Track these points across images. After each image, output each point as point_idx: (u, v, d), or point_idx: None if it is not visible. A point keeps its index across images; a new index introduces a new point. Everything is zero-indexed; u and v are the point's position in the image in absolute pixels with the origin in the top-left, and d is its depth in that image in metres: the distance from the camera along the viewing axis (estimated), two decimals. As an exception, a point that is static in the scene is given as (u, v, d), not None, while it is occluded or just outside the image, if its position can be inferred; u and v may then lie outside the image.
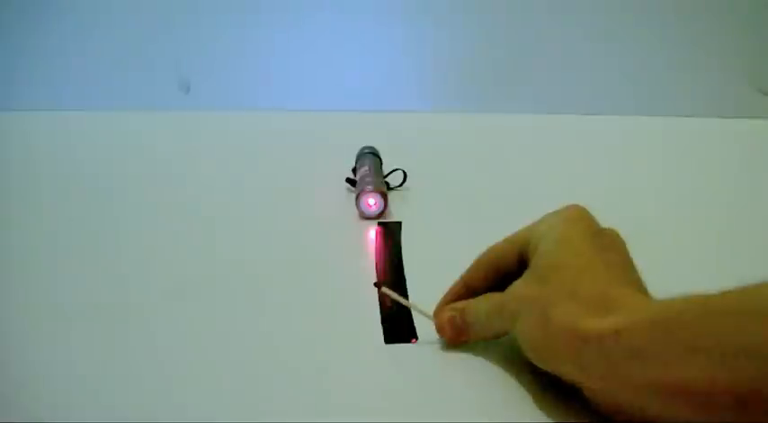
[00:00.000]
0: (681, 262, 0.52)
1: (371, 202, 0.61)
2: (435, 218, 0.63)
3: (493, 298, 0.37)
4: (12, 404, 0.36)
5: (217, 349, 0.41)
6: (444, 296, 0.41)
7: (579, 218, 0.37)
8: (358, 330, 0.42)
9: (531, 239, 0.37)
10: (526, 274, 0.36)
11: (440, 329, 0.39)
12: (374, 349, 0.41)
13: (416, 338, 0.41)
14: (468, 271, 0.40)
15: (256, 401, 0.36)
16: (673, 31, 1.03)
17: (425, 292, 0.42)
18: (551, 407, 0.34)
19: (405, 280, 0.49)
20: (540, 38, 1.06)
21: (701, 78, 1.03)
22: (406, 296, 0.47)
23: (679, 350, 0.27)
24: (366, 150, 0.73)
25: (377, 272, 0.51)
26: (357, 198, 0.61)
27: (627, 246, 0.36)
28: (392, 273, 0.51)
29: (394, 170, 0.70)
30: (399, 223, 0.60)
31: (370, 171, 0.66)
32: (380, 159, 0.72)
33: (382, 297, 0.46)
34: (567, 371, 0.32)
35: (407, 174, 0.70)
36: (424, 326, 0.41)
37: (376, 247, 0.56)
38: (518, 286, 0.35)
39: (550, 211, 0.39)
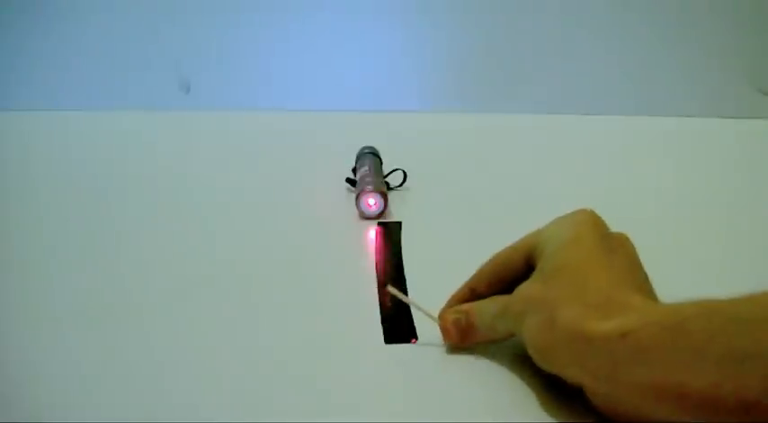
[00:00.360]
0: (680, 262, 0.52)
1: (371, 202, 0.61)
2: (435, 218, 0.63)
3: (499, 300, 0.37)
4: (12, 404, 0.36)
5: (217, 349, 0.41)
6: (449, 300, 0.41)
7: (589, 221, 0.36)
8: (358, 330, 0.42)
9: (539, 243, 0.37)
10: (533, 276, 0.35)
11: (444, 332, 0.39)
12: (374, 349, 0.40)
13: (416, 338, 0.41)
14: (474, 276, 0.40)
15: (256, 401, 0.36)
16: (673, 31, 1.03)
17: (426, 293, 0.42)
18: (552, 407, 0.34)
19: (405, 280, 0.49)
20: (541, 38, 1.06)
21: (701, 78, 1.03)
22: (406, 296, 0.47)
23: (685, 355, 0.27)
24: (366, 150, 0.73)
25: (377, 272, 0.51)
26: (357, 198, 0.61)
27: (635, 249, 0.36)
28: (392, 273, 0.51)
29: (394, 170, 0.70)
30: (399, 223, 0.60)
31: (370, 171, 0.66)
32: (380, 159, 0.72)
33: (382, 297, 0.46)
34: (571, 372, 0.32)
35: (407, 174, 0.70)
36: (425, 326, 0.41)
37: (376, 247, 0.56)
38: (524, 287, 0.35)
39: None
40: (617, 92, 1.05)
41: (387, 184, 0.66)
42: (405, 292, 0.47)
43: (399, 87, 1.11)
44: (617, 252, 0.35)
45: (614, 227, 0.37)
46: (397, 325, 0.42)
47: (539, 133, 0.96)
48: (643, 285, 0.34)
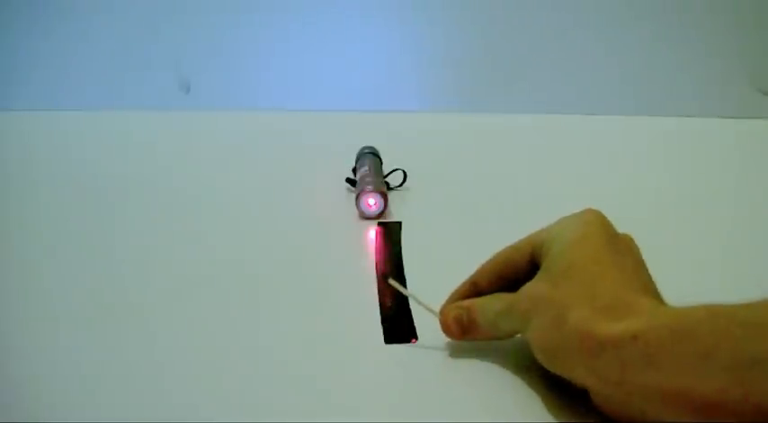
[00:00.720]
0: (680, 262, 0.52)
1: (371, 202, 0.61)
2: (435, 218, 0.63)
3: (503, 297, 0.37)
4: (12, 404, 0.36)
5: (216, 349, 0.41)
6: (451, 295, 0.40)
7: (596, 222, 0.36)
8: (358, 330, 0.42)
9: (545, 241, 0.36)
10: (540, 275, 0.35)
11: (445, 327, 0.39)
12: (374, 349, 0.40)
13: (416, 338, 0.41)
14: (477, 272, 0.40)
15: (256, 401, 0.36)
16: (673, 32, 1.03)
17: (426, 292, 0.42)
18: (554, 408, 0.34)
19: (405, 280, 0.49)
20: (541, 38, 1.06)
21: (701, 78, 1.03)
22: (406, 297, 0.47)
23: (693, 359, 0.27)
24: (366, 150, 0.73)
25: (377, 272, 0.51)
26: (357, 198, 0.61)
27: (640, 251, 0.36)
28: (392, 273, 0.51)
29: (394, 170, 0.70)
30: (399, 223, 0.60)
31: (370, 171, 0.66)
32: (380, 159, 0.72)
33: (383, 297, 0.46)
34: (578, 374, 0.31)
35: (407, 174, 0.70)
36: (425, 326, 0.41)
37: (376, 247, 0.56)
38: (531, 286, 0.35)
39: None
40: (617, 92, 1.05)
41: (387, 184, 0.66)
42: (405, 292, 0.47)
43: (399, 87, 1.11)
44: (624, 253, 0.35)
45: (613, 225, 0.37)
46: (397, 325, 0.42)
47: (539, 133, 0.96)
48: (650, 287, 0.34)
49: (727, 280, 0.48)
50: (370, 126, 0.91)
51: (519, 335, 0.37)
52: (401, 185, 0.69)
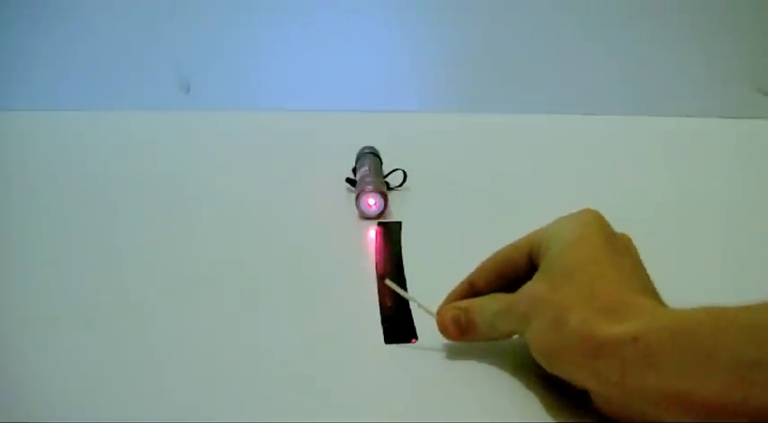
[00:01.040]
0: (680, 262, 0.52)
1: (371, 202, 0.61)
2: (435, 218, 0.63)
3: (501, 298, 0.37)
4: (12, 404, 0.36)
5: (216, 349, 0.41)
6: (448, 295, 0.40)
7: (594, 222, 0.36)
8: (358, 330, 0.42)
9: (543, 241, 0.36)
10: (538, 276, 0.35)
11: (442, 328, 0.39)
12: (374, 349, 0.40)
13: (416, 338, 0.41)
14: (475, 272, 0.40)
15: (256, 401, 0.36)
16: (673, 32, 1.03)
17: (426, 293, 0.42)
18: (553, 408, 0.34)
19: (405, 280, 0.49)
20: (541, 38, 1.06)
21: (701, 78, 1.03)
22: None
23: (695, 361, 0.27)
24: (366, 150, 0.73)
25: (377, 272, 0.51)
26: (357, 198, 0.61)
27: (637, 251, 0.36)
28: (392, 273, 0.51)
29: (394, 170, 0.70)
30: (399, 223, 0.60)
31: (370, 171, 0.66)
32: (380, 159, 0.72)
33: (383, 297, 0.46)
34: (578, 376, 0.31)
35: (407, 174, 0.70)
36: (425, 326, 0.41)
37: (376, 248, 0.56)
38: (530, 287, 0.35)
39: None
40: (617, 92, 1.05)
41: (387, 184, 0.66)
42: (404, 291, 0.47)
43: (399, 87, 1.11)
44: (623, 253, 0.35)
45: (614, 227, 0.37)
46: (397, 325, 0.42)
47: (539, 133, 0.96)
48: (649, 287, 0.34)
49: (728, 281, 0.48)
50: (370, 126, 0.91)
51: (516, 336, 0.37)
52: (401, 185, 0.69)
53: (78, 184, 0.75)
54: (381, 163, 0.71)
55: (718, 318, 0.28)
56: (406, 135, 0.93)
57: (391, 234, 0.58)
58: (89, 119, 1.06)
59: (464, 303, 0.38)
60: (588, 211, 0.37)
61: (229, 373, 0.38)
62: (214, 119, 1.05)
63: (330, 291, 0.49)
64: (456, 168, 0.79)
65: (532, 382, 0.36)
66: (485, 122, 1.01)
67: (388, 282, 0.41)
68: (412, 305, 0.44)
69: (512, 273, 0.38)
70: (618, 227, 0.37)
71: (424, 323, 0.41)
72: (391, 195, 0.64)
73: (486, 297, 0.38)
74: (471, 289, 0.40)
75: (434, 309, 0.40)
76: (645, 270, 0.35)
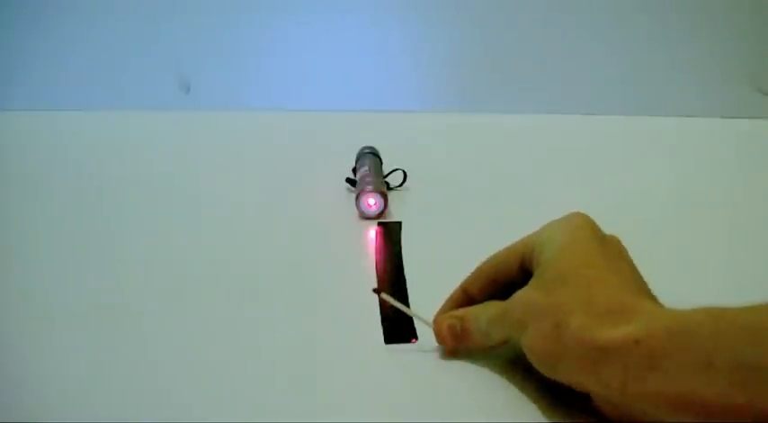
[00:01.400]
0: (680, 262, 0.52)
1: (371, 202, 0.61)
2: (435, 218, 0.63)
3: (495, 305, 0.37)
4: (12, 404, 0.35)
5: (216, 349, 0.41)
6: (444, 304, 0.40)
7: (584, 226, 0.36)
8: (358, 330, 0.42)
9: (535, 247, 0.36)
10: (532, 282, 0.35)
11: (439, 337, 0.39)
12: (374, 349, 0.40)
13: (416, 338, 0.41)
14: (468, 279, 0.40)
15: (256, 401, 0.36)
16: (673, 32, 1.03)
17: (425, 293, 0.42)
18: (552, 408, 0.34)
19: (405, 280, 0.49)
20: (541, 38, 1.06)
21: (702, 78, 1.03)
22: (406, 296, 0.47)
23: (696, 364, 0.27)
24: (366, 150, 0.73)
25: (377, 272, 0.51)
26: (357, 198, 0.61)
27: (628, 252, 0.36)
28: (392, 273, 0.51)
29: (394, 170, 0.70)
30: (399, 223, 0.60)
31: (370, 171, 0.66)
32: (380, 159, 0.72)
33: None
34: (580, 381, 0.31)
35: (407, 174, 0.70)
36: (424, 326, 0.41)
37: (376, 247, 0.56)
38: (524, 294, 0.35)
39: (550, 210, 0.39)
40: (617, 92, 1.05)
41: (387, 184, 0.66)
42: (405, 291, 0.47)
43: (399, 87, 1.11)
44: (616, 256, 0.35)
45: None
46: (397, 325, 0.42)
47: (539, 133, 0.96)
48: (645, 288, 0.34)
49: (728, 281, 0.48)
50: (370, 126, 0.91)
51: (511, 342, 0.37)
52: (401, 185, 0.69)
53: (78, 184, 0.75)
54: (381, 163, 0.71)
55: (718, 319, 0.28)
56: (406, 135, 0.93)
57: (391, 234, 0.58)
58: (89, 119, 1.06)
59: (460, 312, 0.39)
60: (578, 214, 0.37)
61: (229, 373, 0.38)
62: (214, 119, 1.05)
63: (330, 291, 0.49)
64: (456, 168, 0.79)
65: (532, 382, 0.35)
66: (485, 122, 1.01)
67: (384, 295, 0.41)
68: (412, 305, 0.44)
69: (505, 279, 0.38)
70: (618, 227, 0.37)
71: (424, 324, 0.41)
72: (391, 195, 0.64)
73: (481, 305, 0.38)
74: (465, 296, 0.40)
75: (430, 316, 0.40)
76: (638, 271, 0.35)
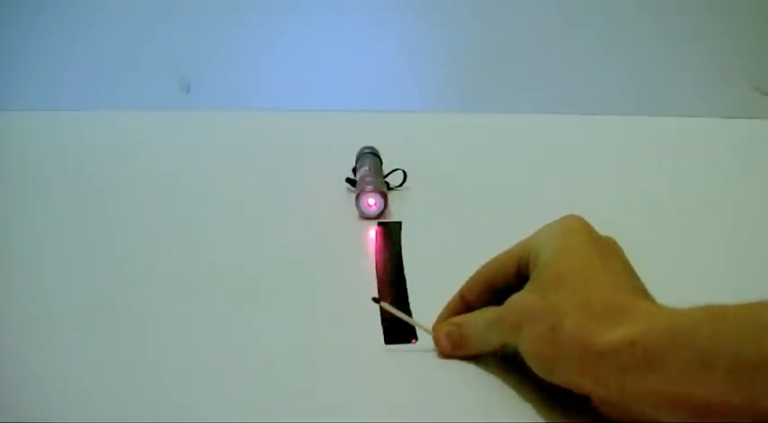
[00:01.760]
0: (680, 262, 0.52)
1: (371, 202, 0.61)
2: (435, 218, 0.63)
3: (491, 310, 0.37)
4: (11, 404, 0.35)
5: (216, 350, 0.41)
6: (442, 312, 0.41)
7: (578, 228, 0.36)
8: (358, 331, 0.42)
9: (531, 251, 0.36)
10: (528, 286, 0.35)
11: (438, 344, 0.39)
12: (374, 349, 0.40)
13: (416, 339, 0.41)
14: (465, 284, 0.40)
15: (256, 402, 0.36)
16: (673, 32, 1.03)
17: (425, 293, 0.42)
18: (552, 407, 0.34)
19: (405, 280, 0.49)
20: (540, 38, 1.06)
21: (701, 78, 1.03)
22: (406, 296, 0.47)
23: (695, 364, 0.27)
24: (366, 150, 0.73)
25: (377, 272, 0.51)
26: (357, 198, 0.61)
27: (624, 252, 0.36)
28: (392, 273, 0.51)
29: (394, 170, 0.70)
30: (399, 223, 0.60)
31: (370, 171, 0.66)
32: (380, 159, 0.72)
33: (383, 297, 0.46)
34: (578, 382, 0.31)
35: (407, 174, 0.70)
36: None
37: (376, 247, 0.56)
38: (520, 297, 0.35)
39: (550, 211, 0.39)
40: (617, 92, 1.05)
41: (387, 184, 0.66)
42: (405, 292, 0.47)
43: (399, 87, 1.11)
44: (612, 257, 0.35)
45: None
46: (397, 325, 0.42)
47: (539, 133, 0.96)
48: (641, 288, 0.34)
49: (728, 281, 0.48)
50: (370, 126, 0.91)
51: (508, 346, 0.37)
52: (401, 185, 0.69)
53: (78, 184, 0.75)
54: (381, 163, 0.71)
55: (716, 317, 0.28)
56: (406, 135, 0.93)
57: (391, 234, 0.58)
58: (89, 119, 1.06)
59: (458, 319, 0.39)
60: (572, 217, 0.37)
61: (229, 373, 0.38)
62: (214, 119, 1.05)
63: (330, 291, 0.49)
64: (456, 168, 0.79)
65: (532, 382, 0.35)
66: (485, 122, 1.01)
67: (384, 304, 0.41)
68: (412, 306, 0.44)
69: (501, 284, 0.38)
70: (617, 227, 0.37)
71: (424, 324, 0.41)
72: (391, 195, 0.64)
73: (478, 311, 0.38)
74: (462, 302, 0.40)
75: (432, 315, 0.40)
76: (634, 271, 0.35)
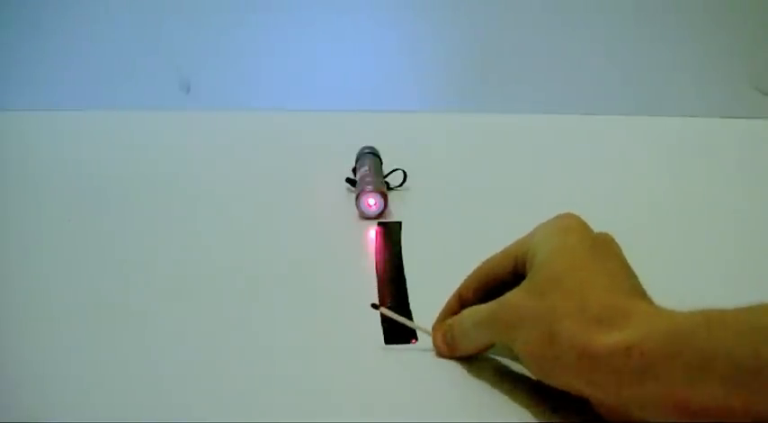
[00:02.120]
0: (680, 262, 0.52)
1: (371, 202, 0.61)
2: (435, 218, 0.63)
3: (481, 308, 0.37)
4: (12, 404, 0.36)
5: (216, 350, 0.41)
6: (441, 311, 0.41)
7: (574, 227, 0.36)
8: (358, 330, 0.42)
9: (528, 251, 0.36)
10: (523, 285, 0.34)
11: (435, 346, 0.39)
12: (374, 349, 0.40)
13: (416, 339, 0.41)
14: (462, 284, 0.40)
15: (256, 402, 0.36)
16: (673, 32, 1.03)
17: (425, 293, 0.42)
18: (552, 407, 0.34)
19: (405, 280, 0.49)
20: (541, 37, 1.06)
21: (701, 78, 1.03)
22: (406, 296, 0.47)
23: (692, 368, 0.27)
24: (366, 150, 0.73)
25: (377, 272, 0.51)
26: (357, 198, 0.61)
27: (622, 249, 0.35)
28: (392, 273, 0.51)
29: (394, 170, 0.70)
30: (399, 223, 0.60)
31: (370, 171, 0.66)
32: (380, 159, 0.72)
33: (383, 297, 0.46)
34: (574, 386, 0.31)
35: (407, 174, 0.70)
36: (424, 327, 0.41)
37: (376, 247, 0.56)
38: (514, 297, 0.34)
39: (550, 211, 0.38)
40: (617, 92, 1.05)
41: (387, 184, 0.66)
42: (405, 292, 0.47)
43: (399, 87, 1.11)
44: (608, 256, 0.34)
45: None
46: (397, 326, 0.42)
47: (539, 133, 0.96)
48: (639, 288, 0.33)
49: (728, 281, 0.48)
50: (370, 126, 0.91)
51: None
52: (401, 185, 0.69)
53: (78, 184, 0.75)
54: (381, 163, 0.71)
55: (714, 321, 0.28)
56: (406, 135, 0.93)
57: (391, 234, 0.58)
58: (89, 119, 1.06)
59: (450, 320, 0.39)
60: (568, 215, 0.37)
61: (229, 373, 0.38)
62: (214, 119, 1.05)
63: (330, 291, 0.49)
64: (456, 168, 0.79)
65: (531, 382, 0.35)
66: (485, 122, 1.01)
67: (383, 309, 0.41)
68: (412, 306, 0.44)
69: (499, 283, 0.38)
70: (617, 227, 0.37)
71: (424, 324, 0.41)
72: (391, 195, 0.64)
73: (467, 310, 0.38)
74: (460, 301, 0.40)
75: (432, 315, 0.40)
76: (631, 269, 0.34)
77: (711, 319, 0.28)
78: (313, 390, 0.37)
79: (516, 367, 0.37)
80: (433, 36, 1.09)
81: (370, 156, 0.71)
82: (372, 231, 0.59)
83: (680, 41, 1.03)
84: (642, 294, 0.33)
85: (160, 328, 0.44)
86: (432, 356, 0.39)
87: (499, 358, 0.38)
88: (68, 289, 0.49)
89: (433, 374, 0.38)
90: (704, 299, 0.29)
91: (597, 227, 0.37)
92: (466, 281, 0.40)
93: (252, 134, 0.98)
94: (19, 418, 0.34)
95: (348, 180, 0.69)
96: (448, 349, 0.39)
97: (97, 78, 1.13)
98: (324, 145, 0.90)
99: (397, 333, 0.41)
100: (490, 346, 0.37)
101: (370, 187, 0.61)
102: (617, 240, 0.36)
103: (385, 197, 0.61)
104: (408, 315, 0.43)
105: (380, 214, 0.61)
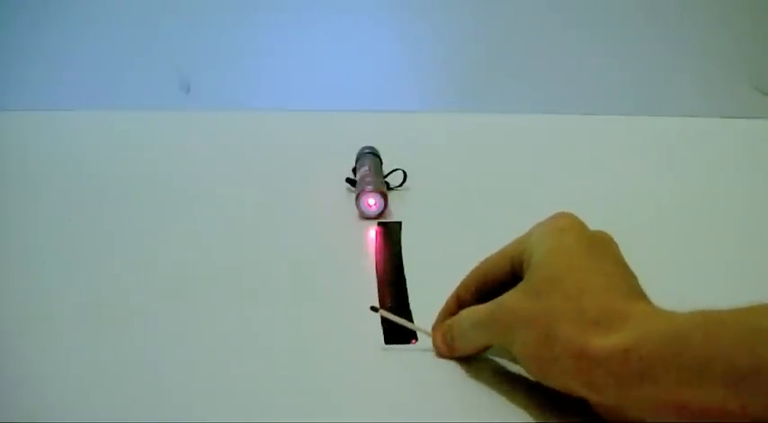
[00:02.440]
0: (680, 262, 0.52)
1: (371, 202, 0.61)
2: (435, 218, 0.63)
3: (478, 309, 0.37)
4: (12, 404, 0.36)
5: (216, 350, 0.41)
6: (440, 312, 0.41)
7: (570, 226, 0.36)
8: (358, 331, 0.42)
9: (524, 251, 0.36)
10: (521, 286, 0.34)
11: (435, 346, 0.40)
12: (374, 349, 0.40)
13: (416, 339, 0.41)
14: (460, 285, 0.40)
15: (256, 402, 0.36)
16: (673, 32, 1.03)
17: (425, 293, 0.42)
18: (551, 407, 0.34)
19: (405, 280, 0.49)
20: (541, 37, 1.06)
21: (701, 78, 1.03)
22: (406, 296, 0.47)
23: (690, 371, 0.27)
24: (366, 150, 0.73)
25: (377, 272, 0.51)
26: (357, 198, 0.61)
27: (619, 248, 0.35)
28: (392, 273, 0.51)
29: (394, 170, 0.70)
30: (399, 223, 0.60)
31: (370, 171, 0.66)
32: (380, 159, 0.72)
33: (383, 297, 0.46)
34: (573, 387, 0.31)
35: (407, 174, 0.70)
36: (424, 327, 0.41)
37: (376, 247, 0.56)
38: (512, 298, 0.34)
39: (550, 211, 0.38)
40: (617, 92, 1.05)
41: (387, 184, 0.66)
42: (405, 292, 0.47)
43: (399, 87, 1.11)
44: (605, 256, 0.34)
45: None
46: (397, 326, 0.42)
47: (539, 133, 0.96)
48: (636, 288, 0.33)
49: (728, 281, 0.48)
50: (370, 126, 0.91)
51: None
52: (401, 185, 0.69)
53: (78, 184, 0.75)
54: (381, 163, 0.71)
55: (712, 322, 0.28)
56: (406, 135, 0.93)
57: (391, 234, 0.58)
58: (89, 119, 1.06)
59: (449, 321, 0.39)
60: (564, 214, 0.37)
61: (229, 373, 0.38)
62: (214, 119, 1.05)
63: (330, 291, 0.49)
64: (456, 168, 0.79)
65: (531, 382, 0.35)
66: (485, 122, 1.01)
67: (383, 312, 0.41)
68: (412, 306, 0.44)
69: (496, 284, 0.38)
70: (617, 227, 0.37)
71: (424, 324, 0.41)
72: (391, 195, 0.64)
73: (465, 310, 0.38)
74: (459, 301, 0.39)
75: (432, 315, 0.40)
76: (629, 269, 0.34)
77: (710, 321, 0.28)
78: (313, 390, 0.37)
79: (515, 368, 0.37)
80: (433, 36, 1.09)
81: (370, 156, 0.71)
82: (372, 231, 0.59)
83: (680, 42, 1.03)
84: (640, 294, 0.33)
85: (160, 328, 0.44)
86: (432, 357, 0.39)
87: (498, 359, 0.38)
88: (68, 289, 0.49)
89: (432, 374, 0.38)
90: (704, 299, 0.29)
91: (597, 227, 0.37)
92: (464, 281, 0.40)
93: (252, 134, 0.98)
94: (19, 418, 0.34)
95: (348, 180, 0.69)
96: (448, 350, 0.39)
97: (97, 78, 1.13)
98: (324, 145, 0.90)
99: (398, 333, 0.41)
100: (489, 346, 0.37)
101: (370, 187, 0.62)
102: (617, 240, 0.36)
103: (385, 197, 0.61)
104: (408, 315, 0.43)
105: (380, 214, 0.61)
